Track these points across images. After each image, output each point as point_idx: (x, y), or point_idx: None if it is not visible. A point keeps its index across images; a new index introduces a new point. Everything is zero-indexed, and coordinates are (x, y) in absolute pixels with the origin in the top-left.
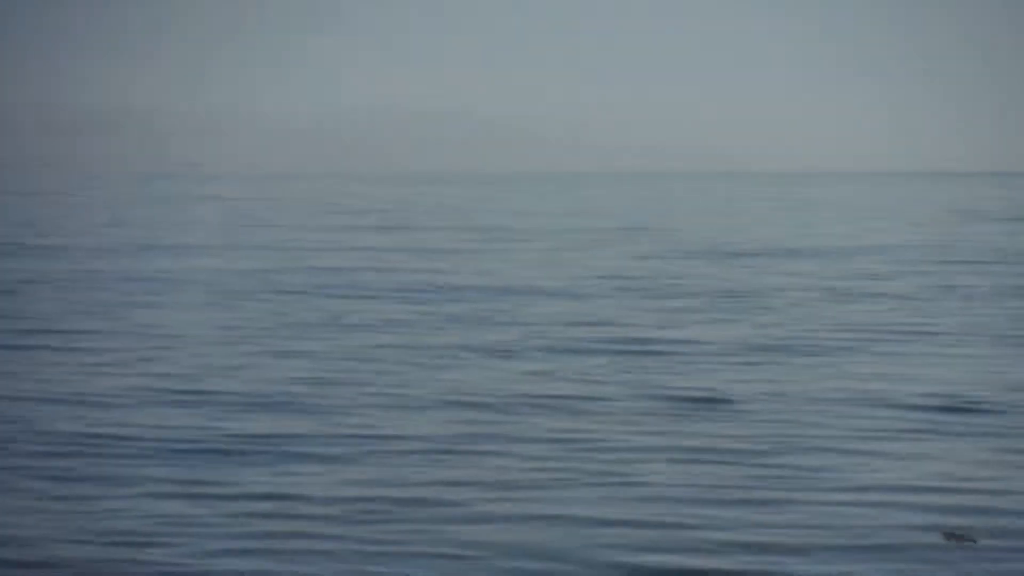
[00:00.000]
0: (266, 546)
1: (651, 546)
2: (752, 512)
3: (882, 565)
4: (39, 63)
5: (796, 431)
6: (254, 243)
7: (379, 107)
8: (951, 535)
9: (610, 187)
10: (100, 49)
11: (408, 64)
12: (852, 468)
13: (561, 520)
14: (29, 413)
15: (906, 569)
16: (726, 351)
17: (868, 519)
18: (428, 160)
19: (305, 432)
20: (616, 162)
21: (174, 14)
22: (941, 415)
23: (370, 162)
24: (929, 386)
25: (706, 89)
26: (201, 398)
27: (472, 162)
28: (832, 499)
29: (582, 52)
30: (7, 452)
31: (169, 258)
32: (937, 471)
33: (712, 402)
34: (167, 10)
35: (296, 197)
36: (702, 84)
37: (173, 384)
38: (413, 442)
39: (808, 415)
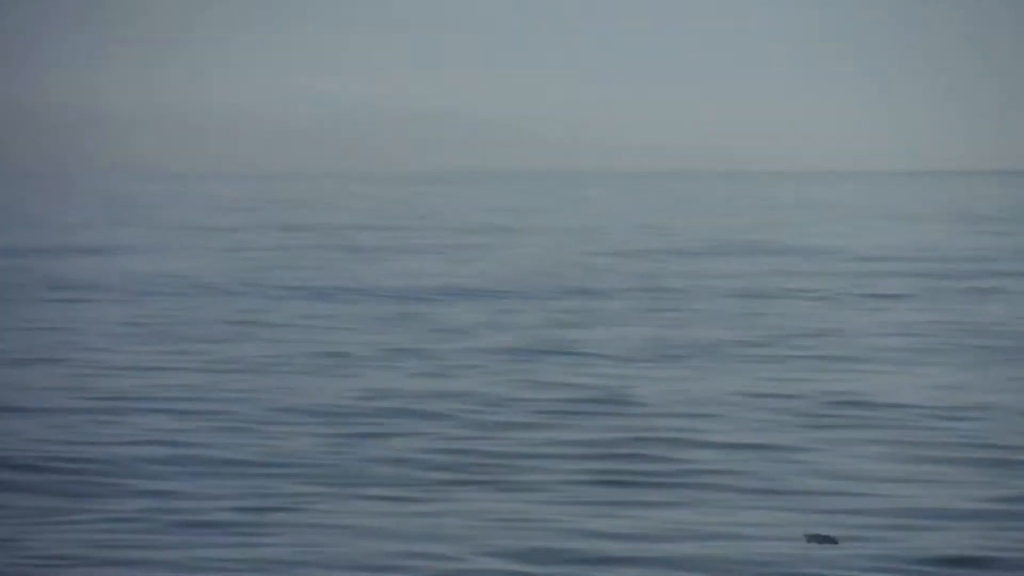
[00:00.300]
0: (124, 540)
1: (524, 536)
2: (625, 510)
3: (741, 563)
4: (30, 63)
5: (686, 426)
6: (194, 244)
7: (379, 107)
8: (814, 536)
9: (601, 186)
10: (100, 49)
11: (409, 64)
12: (731, 465)
13: (449, 514)
14: None
15: (766, 571)
16: (633, 350)
17: (738, 515)
18: (428, 160)
19: (171, 438)
20: (617, 161)
21: (171, 13)
22: (831, 411)
23: (371, 162)
24: (826, 386)
25: (706, 89)
26: (77, 398)
27: (473, 161)
28: (706, 497)
29: (582, 52)
30: None
31: (99, 258)
32: (814, 469)
33: (603, 402)
34: (164, 9)
35: (272, 197)
36: (702, 84)
37: (54, 383)
38: (294, 443)
39: (702, 413)
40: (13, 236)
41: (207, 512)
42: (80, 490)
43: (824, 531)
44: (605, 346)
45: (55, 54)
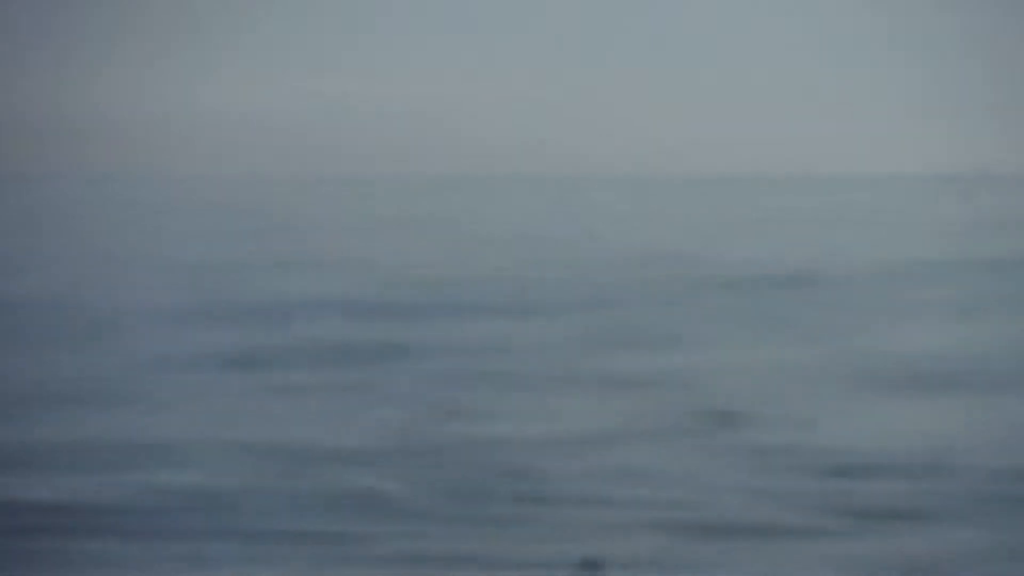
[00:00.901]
0: None
1: None
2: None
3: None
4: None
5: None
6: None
7: (375, 107)
8: (583, 562)
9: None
10: (99, 51)
11: (409, 64)
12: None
13: None
14: None
15: None
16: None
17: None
18: (409, 163)
19: None
20: (614, 166)
21: (169, 12)
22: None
23: (370, 164)
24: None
25: (702, 88)
26: None
27: (468, 163)
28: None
29: (575, 52)
30: None
31: None
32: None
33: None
34: (165, 8)
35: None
36: (699, 83)
37: None
38: None
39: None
40: None
41: None
42: None
43: (596, 554)
44: None
45: (54, 56)
